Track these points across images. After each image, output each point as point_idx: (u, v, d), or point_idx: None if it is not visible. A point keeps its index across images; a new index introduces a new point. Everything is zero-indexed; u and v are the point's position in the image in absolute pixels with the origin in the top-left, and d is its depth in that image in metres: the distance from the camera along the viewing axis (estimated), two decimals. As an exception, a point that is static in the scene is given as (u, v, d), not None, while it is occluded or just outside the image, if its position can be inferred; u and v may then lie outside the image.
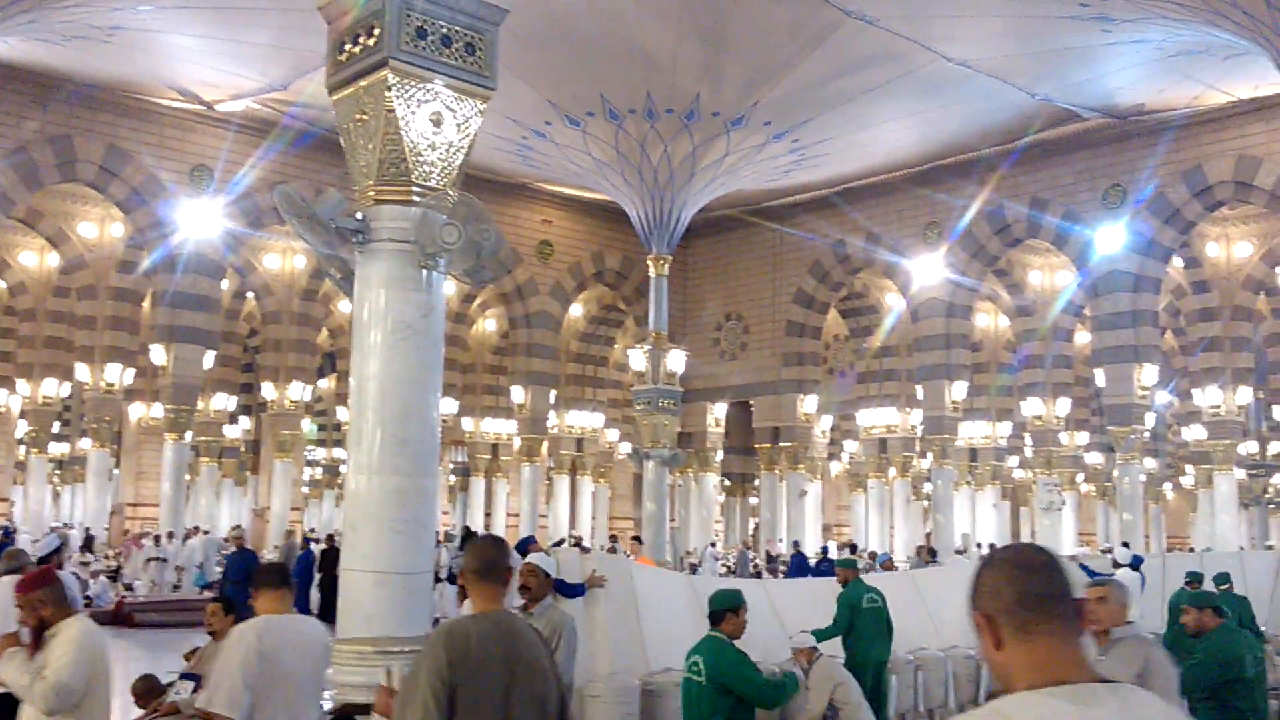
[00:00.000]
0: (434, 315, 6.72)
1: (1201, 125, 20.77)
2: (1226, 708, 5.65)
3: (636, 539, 19.43)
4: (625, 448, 34.82)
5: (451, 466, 32.55)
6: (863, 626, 9.26)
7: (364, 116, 6.66)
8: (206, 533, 23.08)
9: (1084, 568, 12.69)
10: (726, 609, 6.20)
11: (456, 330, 29.61)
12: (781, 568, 23.77)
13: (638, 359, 22.62)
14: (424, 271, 6.62)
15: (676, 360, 22.54)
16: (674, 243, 22.63)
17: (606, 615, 9.03)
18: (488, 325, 32.77)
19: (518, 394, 28.06)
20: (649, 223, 22.13)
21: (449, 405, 28.84)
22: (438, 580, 14.69)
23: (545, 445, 30.14)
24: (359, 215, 6.65)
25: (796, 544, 24.85)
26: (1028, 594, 1.75)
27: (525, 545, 9.78)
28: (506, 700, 3.38)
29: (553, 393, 28.67)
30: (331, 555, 15.83)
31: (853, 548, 23.01)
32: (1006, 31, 17.64)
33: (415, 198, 6.57)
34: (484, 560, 3.58)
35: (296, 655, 4.65)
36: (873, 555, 19.95)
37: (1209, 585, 11.58)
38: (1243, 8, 14.82)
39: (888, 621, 9.35)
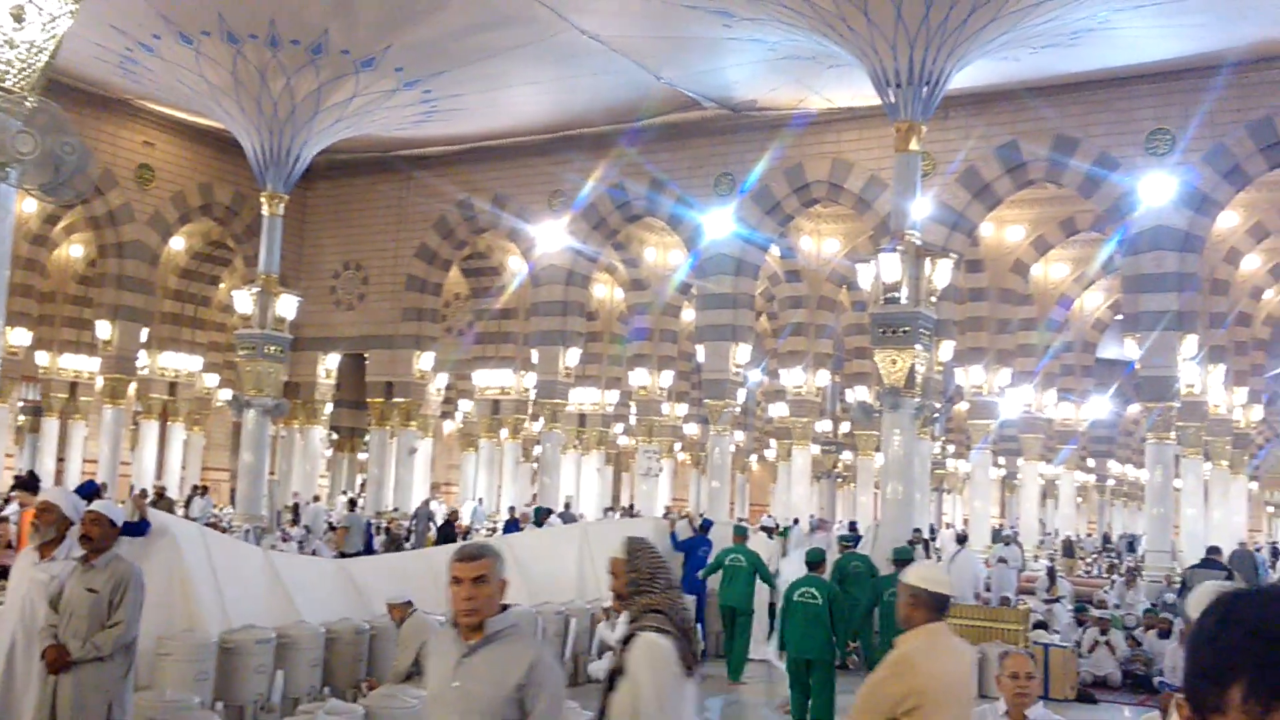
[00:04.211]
0: (-5, 230, 5.95)
1: (804, 127, 22.46)
2: None
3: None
4: (225, 394, 32.97)
5: (20, 404, 29.33)
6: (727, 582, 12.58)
7: (-79, -6, 5.76)
8: None
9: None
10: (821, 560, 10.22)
11: (35, 254, 26.66)
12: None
13: (244, 301, 21.41)
14: (-15, 179, 5.84)
15: (287, 306, 21.56)
16: (292, 182, 21.57)
17: (181, 570, 8.47)
18: (73, 251, 29.70)
19: (104, 329, 25.64)
20: (265, 158, 20.90)
21: (20, 336, 25.90)
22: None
23: (133, 387, 27.85)
24: (-94, 106, 5.77)
25: (512, 509, 24.94)
26: None
27: (89, 491, 8.93)
28: None
29: (145, 330, 26.45)
30: None
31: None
32: (638, 12, 18.18)
33: (-20, 94, 5.77)
34: None
35: None
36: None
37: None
38: (847, 23, 16.16)
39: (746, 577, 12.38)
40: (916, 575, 4.30)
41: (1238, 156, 18.90)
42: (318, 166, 24.29)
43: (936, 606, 4.18)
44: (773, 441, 35.23)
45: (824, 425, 34.31)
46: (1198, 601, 3.58)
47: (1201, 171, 19.02)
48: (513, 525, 21.26)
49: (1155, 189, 19.10)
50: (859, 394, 29.24)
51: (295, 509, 25.69)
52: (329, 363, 28.49)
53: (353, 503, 22.21)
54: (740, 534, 13.51)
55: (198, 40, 19.21)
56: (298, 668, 8.72)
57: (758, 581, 12.69)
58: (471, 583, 3.43)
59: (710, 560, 13.70)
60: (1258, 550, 27.18)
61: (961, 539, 19.33)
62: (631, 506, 26.77)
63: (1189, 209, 19.07)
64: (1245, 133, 18.76)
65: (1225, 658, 1.29)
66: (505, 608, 3.50)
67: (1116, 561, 27.91)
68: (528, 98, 22.56)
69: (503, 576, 3.51)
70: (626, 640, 3.83)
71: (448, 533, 21.41)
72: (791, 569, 11.83)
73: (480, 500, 30.49)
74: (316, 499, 26.34)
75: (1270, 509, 59.73)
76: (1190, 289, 19.39)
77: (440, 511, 28.42)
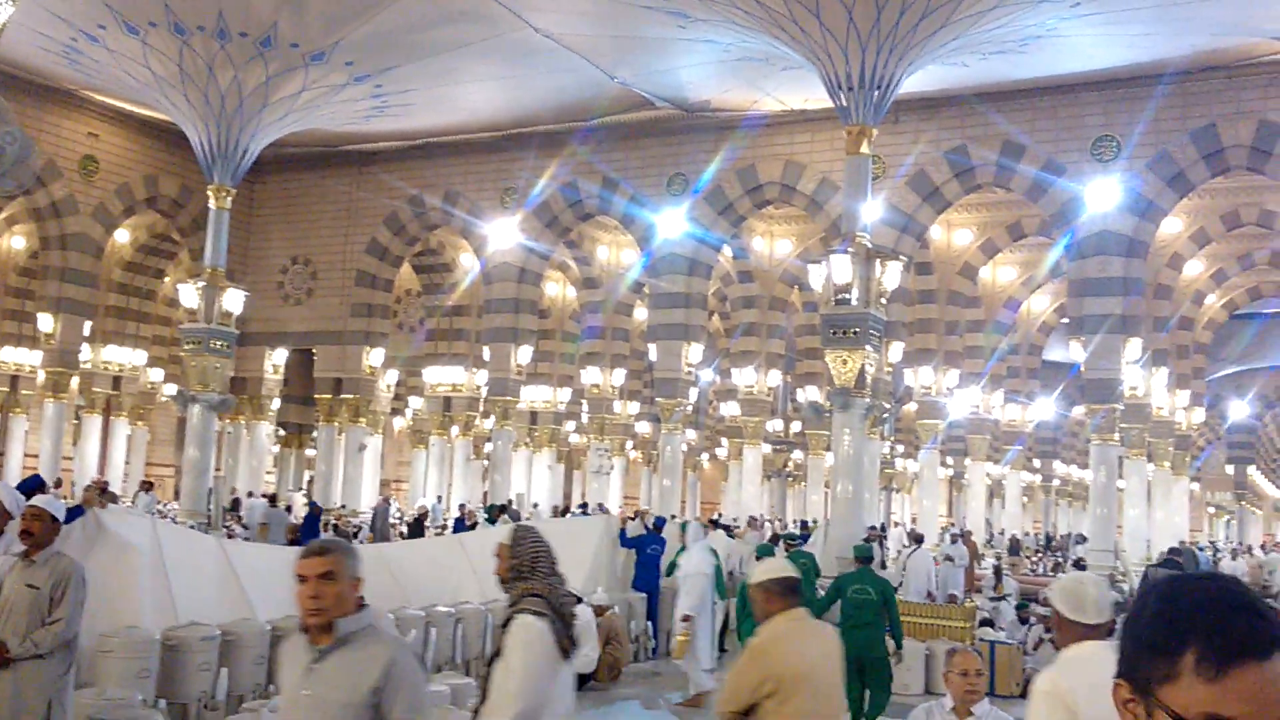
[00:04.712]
0: (-68, 217, 5.82)
1: (757, 128, 22.56)
2: None
3: None
4: (170, 389, 32.53)
5: (-40, 399, 28.67)
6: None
7: None
8: None
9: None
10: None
11: (-24, 246, 26.15)
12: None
13: (189, 295, 21.12)
14: (-79, 165, 5.71)
15: (234, 300, 21.31)
16: (240, 175, 21.33)
17: (127, 566, 8.36)
18: (14, 243, 29.13)
19: (46, 322, 25.16)
20: (212, 151, 20.64)
21: (-40, 329, 25.36)
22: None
23: (75, 381, 27.36)
24: None
25: (462, 507, 24.88)
26: None
27: (32, 486, 8.79)
28: None
29: (88, 324, 26.01)
30: None
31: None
32: (592, 11, 18.16)
33: (-84, 78, 5.64)
34: None
35: None
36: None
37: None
38: (800, 25, 16.25)
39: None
40: (761, 572, 4.45)
41: (1181, 164, 19.26)
42: (266, 160, 24.01)
43: (787, 592, 4.34)
44: (724, 440, 35.38)
45: (775, 424, 34.49)
46: (1060, 590, 3.80)
47: (1146, 178, 19.35)
48: (461, 523, 21.21)
49: (1101, 195, 19.41)
50: (810, 394, 29.42)
51: (235, 504, 25.38)
52: (276, 358, 28.19)
53: (273, 498, 22.15)
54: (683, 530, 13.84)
55: (144, 31, 18.91)
56: (242, 665, 8.62)
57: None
58: (316, 580, 3.19)
59: (667, 558, 13.85)
60: (1200, 549, 27.73)
61: (917, 538, 19.56)
62: (585, 505, 26.74)
63: (1133, 215, 19.40)
64: (1188, 140, 19.12)
65: (1175, 628, 1.35)
66: (363, 606, 3.27)
67: (1061, 560, 28.31)
68: (481, 94, 22.45)
69: (356, 574, 3.24)
70: (506, 623, 3.92)
71: (418, 531, 21.37)
72: (691, 564, 11.88)
73: (440, 498, 30.25)
74: (261, 496, 26.02)
75: (1211, 510, 60.91)
76: (1134, 293, 19.73)
77: (393, 510, 28.25)
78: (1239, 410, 45.17)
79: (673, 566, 13.60)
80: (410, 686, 3.17)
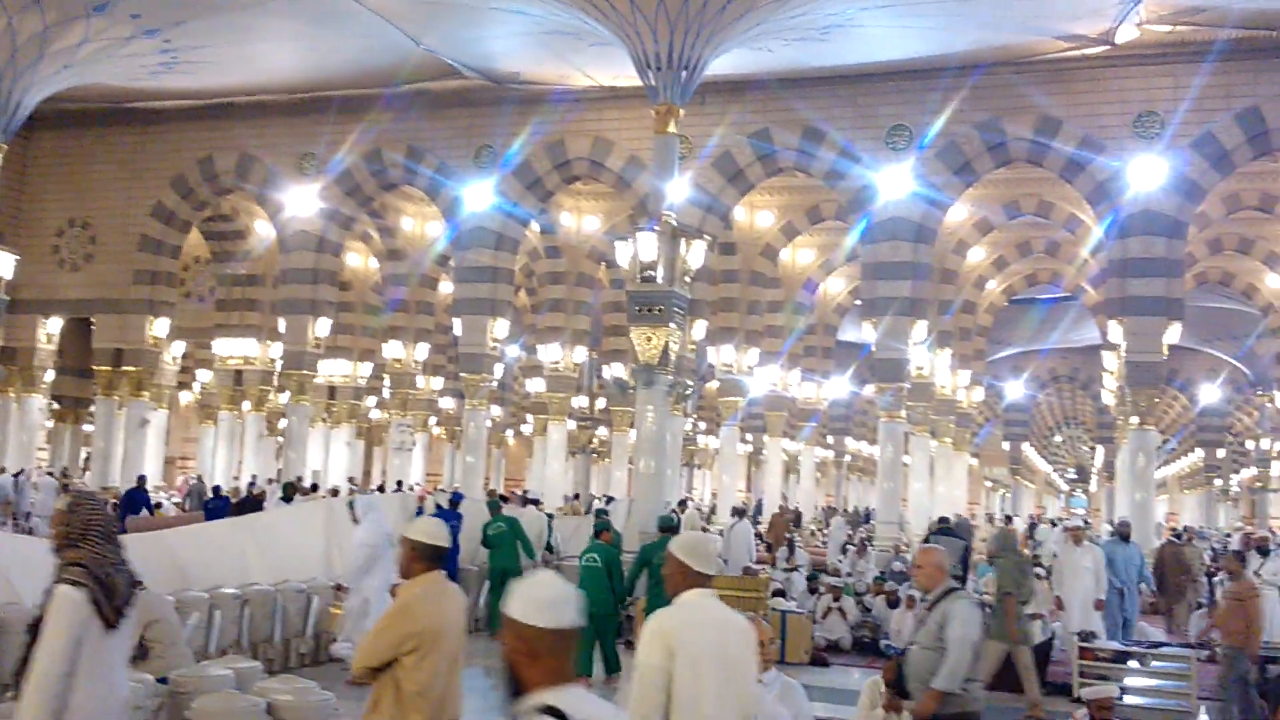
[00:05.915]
0: None
1: (567, 103, 22.44)
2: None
3: None
4: (-70, 360, 30.06)
5: None
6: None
7: None
8: None
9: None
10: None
11: None
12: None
13: (-48, 258, 19.57)
14: None
15: (3, 264, 19.89)
16: (12, 130, 19.85)
17: None
18: None
19: None
20: (-21, 102, 19.11)
21: None
22: None
23: None
24: None
25: (251, 484, 23.70)
26: None
27: None
28: None
29: None
30: None
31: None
32: (399, -27, 17.66)
33: None
34: None
35: None
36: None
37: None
38: (610, 1, 16.24)
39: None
40: (416, 530, 4.62)
41: (967, 154, 20.21)
42: (42, 115, 22.36)
43: (432, 557, 4.55)
44: (529, 416, 35.34)
45: (580, 401, 34.58)
46: (686, 545, 4.27)
47: (934, 167, 20.23)
48: (221, 503, 20.13)
49: (893, 182, 20.19)
50: (615, 370, 29.63)
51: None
52: (50, 327, 26.43)
53: None
54: (494, 507, 14.91)
55: (-101, -35, 17.30)
56: (6, 653, 8.02)
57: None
58: None
59: (479, 532, 14.54)
60: (972, 520, 29.37)
61: (738, 512, 19.95)
62: (400, 484, 26.17)
63: (923, 202, 20.26)
64: (975, 132, 20.07)
65: None
66: None
67: (850, 533, 29.46)
68: (279, 54, 21.53)
69: None
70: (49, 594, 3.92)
71: (254, 506, 20.13)
72: (359, 535, 11.78)
73: (254, 477, 28.80)
74: (13, 471, 24.25)
75: (989, 484, 64.69)
76: (921, 277, 20.63)
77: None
78: (1015, 390, 48.01)
79: (484, 538, 14.32)
80: None
